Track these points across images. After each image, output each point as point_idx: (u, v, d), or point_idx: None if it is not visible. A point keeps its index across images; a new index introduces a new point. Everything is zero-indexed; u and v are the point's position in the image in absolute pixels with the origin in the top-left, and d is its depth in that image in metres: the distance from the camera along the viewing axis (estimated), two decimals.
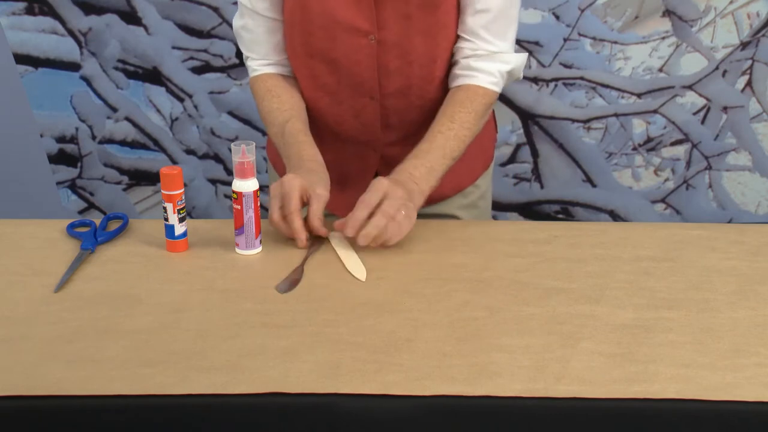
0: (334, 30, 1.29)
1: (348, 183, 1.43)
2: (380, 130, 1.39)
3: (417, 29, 1.29)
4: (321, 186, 1.23)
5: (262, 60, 1.39)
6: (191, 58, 2.30)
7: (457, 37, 1.33)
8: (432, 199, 1.42)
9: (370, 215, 1.19)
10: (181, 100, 2.34)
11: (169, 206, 1.21)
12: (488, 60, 1.31)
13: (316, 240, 1.26)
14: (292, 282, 1.14)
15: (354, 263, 1.19)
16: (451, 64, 1.34)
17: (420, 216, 1.27)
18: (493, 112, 1.51)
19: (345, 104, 1.36)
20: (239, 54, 2.28)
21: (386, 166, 1.39)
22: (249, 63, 1.41)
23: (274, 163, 1.51)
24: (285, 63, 1.39)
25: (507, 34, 1.33)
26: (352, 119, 1.37)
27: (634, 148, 2.35)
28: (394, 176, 1.24)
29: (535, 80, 2.29)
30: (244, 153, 1.19)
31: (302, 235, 1.21)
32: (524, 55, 1.36)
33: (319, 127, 1.41)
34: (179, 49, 2.29)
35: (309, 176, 1.24)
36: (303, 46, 1.33)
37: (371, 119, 1.37)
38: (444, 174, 1.29)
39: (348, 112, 1.37)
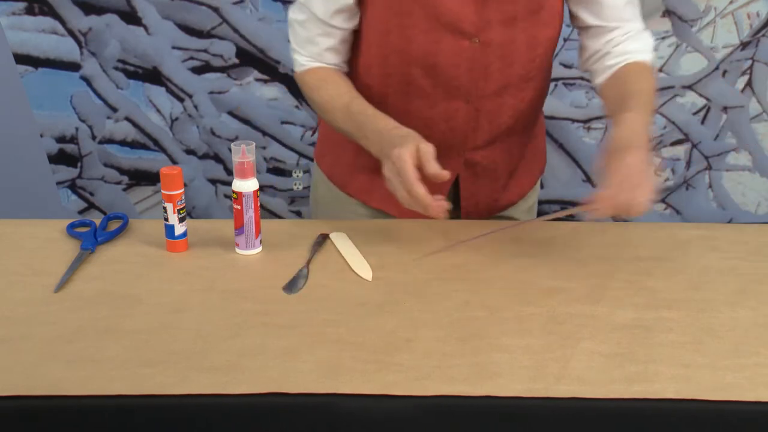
0: (437, 33, 1.27)
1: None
2: (470, 134, 1.36)
3: (520, 29, 1.28)
4: (422, 142, 1.17)
5: (313, 59, 1.36)
6: (191, 58, 2.30)
7: (594, 31, 1.34)
8: (500, 207, 1.46)
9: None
10: (181, 100, 2.34)
11: (169, 206, 1.21)
12: (637, 39, 1.33)
13: (319, 240, 1.26)
14: (298, 282, 1.14)
15: (359, 263, 1.19)
16: (599, 57, 1.34)
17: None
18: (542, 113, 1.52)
19: (438, 108, 1.34)
20: (239, 54, 2.28)
21: (468, 169, 1.40)
22: (296, 57, 1.39)
23: (327, 173, 1.50)
24: (337, 65, 1.37)
25: (638, 14, 1.35)
26: (442, 123, 1.35)
27: None
28: (617, 141, 1.18)
29: None
30: (244, 153, 1.19)
31: (430, 200, 1.13)
32: (651, 35, 1.38)
33: None
34: (179, 49, 2.29)
35: (403, 141, 1.17)
36: (400, 53, 1.30)
37: (462, 123, 1.35)
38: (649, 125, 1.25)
39: (440, 116, 1.34)
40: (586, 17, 1.33)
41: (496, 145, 1.38)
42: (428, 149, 1.15)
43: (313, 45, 1.35)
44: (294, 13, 1.35)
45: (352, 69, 1.38)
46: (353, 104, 1.30)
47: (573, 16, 1.36)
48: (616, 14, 1.32)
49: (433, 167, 1.14)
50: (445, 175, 1.14)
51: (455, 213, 1.44)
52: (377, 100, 1.32)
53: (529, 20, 1.28)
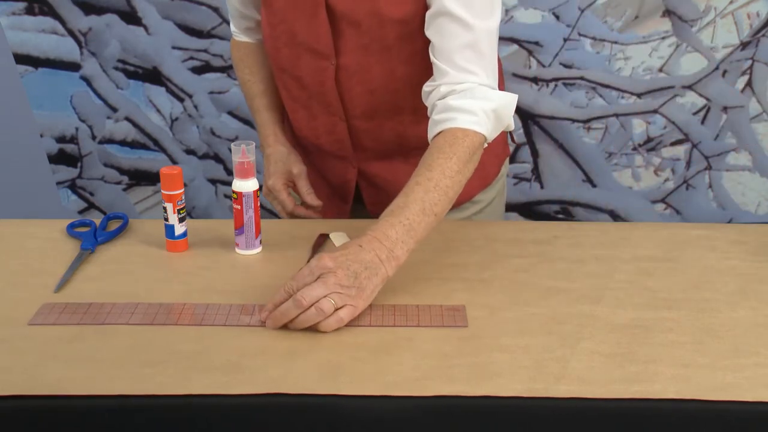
0: (297, 49, 1.30)
1: (333, 191, 1.46)
2: (357, 148, 1.37)
3: (374, 61, 1.26)
4: (294, 165, 1.39)
5: (238, 31, 1.48)
6: (191, 58, 2.30)
7: (431, 74, 1.21)
8: None
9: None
10: (181, 100, 2.34)
11: (169, 206, 1.21)
12: (468, 97, 1.16)
13: (319, 240, 1.26)
14: None
15: None
16: (429, 110, 1.21)
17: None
18: (506, 133, 1.41)
19: (318, 120, 1.36)
20: None
21: (364, 180, 1.41)
22: (231, 28, 1.49)
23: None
24: (259, 40, 1.46)
25: (486, 67, 1.19)
26: (326, 135, 1.37)
27: (634, 148, 2.35)
28: (366, 236, 1.06)
29: (535, 80, 2.29)
30: (244, 153, 1.19)
31: (310, 213, 1.39)
32: (512, 97, 1.21)
33: (299, 136, 1.43)
34: (179, 49, 2.29)
35: (277, 166, 1.39)
36: (273, 58, 1.35)
37: (342, 137, 1.36)
38: (427, 232, 1.09)
39: (322, 127, 1.37)
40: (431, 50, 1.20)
41: (395, 159, 1.36)
42: (300, 174, 1.38)
43: (235, 20, 1.46)
44: None
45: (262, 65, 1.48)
46: (257, 100, 1.45)
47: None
48: (449, 56, 1.17)
49: (309, 198, 1.38)
50: (318, 204, 1.38)
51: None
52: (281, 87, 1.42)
53: (382, 54, 1.25)
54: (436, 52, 1.19)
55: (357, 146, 1.37)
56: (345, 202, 1.46)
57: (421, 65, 1.24)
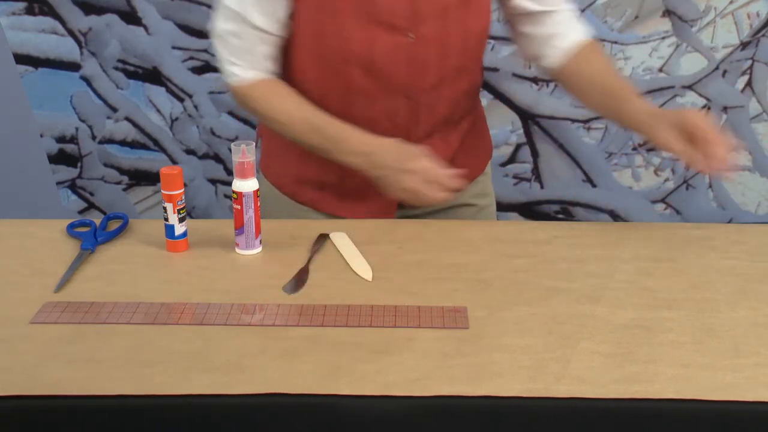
0: (372, 31, 1.27)
1: (369, 191, 1.39)
2: (411, 128, 1.37)
3: (453, 22, 1.30)
4: (412, 146, 1.30)
5: (254, 69, 1.34)
6: (191, 58, 2.30)
7: (536, 17, 1.37)
8: None
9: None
10: (181, 100, 2.34)
11: (169, 206, 1.21)
12: (576, 20, 1.39)
13: (319, 239, 1.26)
14: (299, 282, 1.14)
15: (359, 263, 1.19)
16: (545, 40, 1.38)
17: (438, 210, 1.41)
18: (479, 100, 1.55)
19: (378, 105, 1.34)
20: None
21: None
22: (231, 68, 1.34)
23: (276, 184, 1.48)
24: (276, 73, 1.36)
25: None
26: (385, 120, 1.35)
27: (634, 148, 2.35)
28: (650, 110, 1.29)
29: (535, 80, 2.29)
30: (244, 153, 1.19)
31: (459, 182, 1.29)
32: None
33: None
34: (179, 49, 2.29)
35: (405, 152, 1.29)
36: (337, 54, 1.30)
37: (404, 118, 1.36)
38: None
39: (381, 113, 1.35)
40: (527, 4, 1.36)
41: (434, 135, 1.39)
42: (426, 155, 1.28)
43: (252, 54, 1.32)
44: (223, 24, 1.32)
45: (286, 75, 1.37)
46: (315, 118, 1.32)
47: (508, 5, 1.38)
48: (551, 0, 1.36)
49: (448, 176, 1.27)
50: (462, 172, 1.30)
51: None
52: (316, 102, 1.33)
53: (461, 12, 1.30)
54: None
55: (415, 124, 1.37)
56: (378, 202, 1.42)
57: (488, 16, 1.35)
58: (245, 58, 1.33)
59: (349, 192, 1.41)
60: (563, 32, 1.37)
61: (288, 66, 1.36)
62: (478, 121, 1.50)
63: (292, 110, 1.33)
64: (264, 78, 1.35)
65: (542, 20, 1.37)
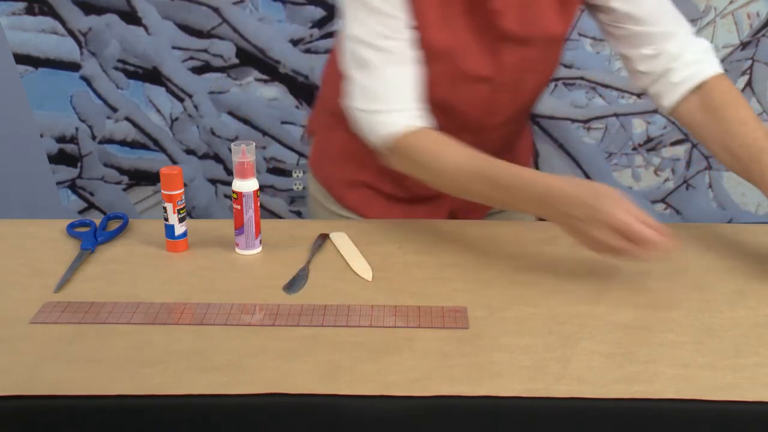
0: (457, 82, 1.26)
1: (424, 199, 1.42)
2: None
3: (531, 70, 1.30)
4: (615, 191, 1.07)
5: (410, 111, 1.19)
6: (191, 58, 2.30)
7: (640, 40, 1.25)
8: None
9: None
10: (181, 100, 2.34)
11: (169, 206, 1.21)
12: (696, 45, 1.24)
13: (319, 239, 1.26)
14: (299, 282, 1.14)
15: (359, 263, 1.19)
16: (658, 76, 1.26)
17: (497, 212, 1.44)
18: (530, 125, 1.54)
19: None
20: (239, 54, 2.28)
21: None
22: (383, 118, 1.19)
23: (326, 186, 1.46)
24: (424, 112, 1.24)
25: (681, 16, 1.26)
26: None
27: (634, 148, 2.35)
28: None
29: None
30: (244, 153, 1.19)
31: (663, 239, 1.06)
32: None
33: None
34: (179, 49, 2.29)
35: (604, 199, 1.05)
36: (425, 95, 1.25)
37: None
38: None
39: None
40: (628, 28, 1.24)
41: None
42: (631, 202, 1.06)
43: (406, 93, 1.20)
44: (357, 73, 1.20)
45: None
46: (490, 169, 1.14)
47: (610, 26, 1.28)
48: (657, 15, 1.24)
49: (654, 222, 1.06)
50: (666, 230, 1.07)
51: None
52: None
53: (540, 63, 1.30)
54: (644, 21, 1.23)
55: None
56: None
57: (560, 58, 1.33)
58: (402, 99, 1.19)
59: (404, 200, 1.42)
60: (678, 65, 1.22)
61: None
62: (526, 128, 1.53)
63: (464, 162, 1.16)
64: (423, 127, 1.21)
65: (650, 43, 1.24)
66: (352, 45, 1.20)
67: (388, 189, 1.42)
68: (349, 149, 1.39)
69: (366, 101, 1.21)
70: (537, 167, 2.38)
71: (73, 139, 2.38)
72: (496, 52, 1.26)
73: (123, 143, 2.40)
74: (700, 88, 1.24)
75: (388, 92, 1.20)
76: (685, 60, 1.23)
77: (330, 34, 2.27)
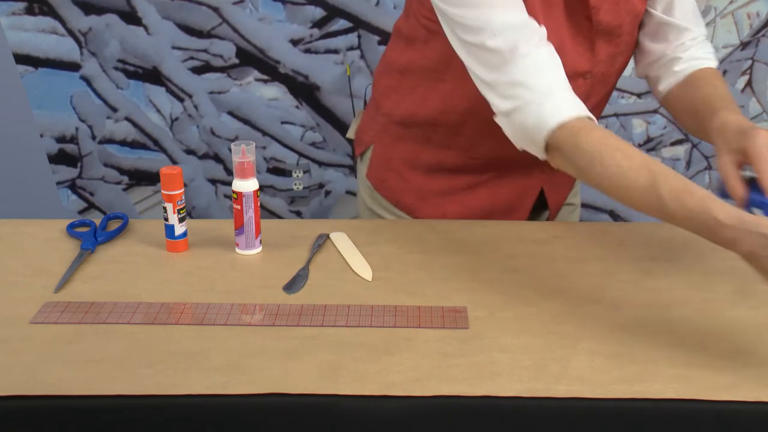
0: None
1: (510, 205, 1.40)
2: None
3: (618, 60, 1.30)
4: None
5: (564, 94, 1.11)
6: (191, 58, 2.30)
7: (663, 32, 1.28)
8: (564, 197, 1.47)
9: None
10: (181, 100, 2.34)
11: (169, 206, 1.21)
12: (704, 46, 1.30)
13: (319, 239, 1.26)
14: (299, 282, 1.14)
15: (359, 263, 1.19)
16: (666, 62, 1.29)
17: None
18: None
19: None
20: (239, 54, 2.28)
21: (549, 177, 1.40)
22: (556, 102, 1.09)
23: (392, 200, 1.44)
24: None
25: (702, 21, 1.32)
26: None
27: None
28: (745, 124, 1.06)
29: None
30: (244, 153, 1.19)
31: None
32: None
33: (486, 163, 1.35)
34: (179, 49, 2.29)
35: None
36: None
37: None
38: None
39: None
40: (657, 15, 1.28)
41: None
42: None
43: (551, 71, 1.11)
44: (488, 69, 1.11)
45: (437, 101, 1.31)
46: (664, 185, 0.99)
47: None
48: (686, 15, 1.28)
49: None
50: None
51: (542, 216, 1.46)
52: (457, 123, 1.31)
53: (625, 55, 1.30)
54: (677, 12, 1.27)
55: None
56: (522, 212, 1.42)
57: (635, 46, 1.31)
58: (558, 81, 1.10)
59: (478, 200, 1.40)
60: (685, 56, 1.27)
61: (444, 94, 1.30)
62: None
63: (636, 170, 1.02)
64: (587, 115, 1.11)
65: (666, 37, 1.28)
66: (476, 51, 1.11)
67: (462, 192, 1.39)
68: (420, 158, 1.38)
69: (510, 98, 1.10)
70: None
71: (73, 139, 2.38)
72: (592, 46, 1.25)
73: (123, 143, 2.40)
74: (690, 74, 1.29)
75: (533, 78, 1.09)
76: (692, 54, 1.28)
77: (330, 34, 2.27)
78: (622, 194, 1.04)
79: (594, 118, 1.14)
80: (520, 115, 1.09)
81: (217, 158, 2.41)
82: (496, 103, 1.12)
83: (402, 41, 1.36)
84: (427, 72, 1.32)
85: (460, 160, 1.37)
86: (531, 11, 1.14)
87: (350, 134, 1.54)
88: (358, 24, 2.27)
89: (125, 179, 2.44)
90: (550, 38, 1.15)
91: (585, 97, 1.27)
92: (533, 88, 1.09)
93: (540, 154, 1.12)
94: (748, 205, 1.03)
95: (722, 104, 1.16)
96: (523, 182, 1.39)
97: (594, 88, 1.30)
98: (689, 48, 1.29)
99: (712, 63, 1.30)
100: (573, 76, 1.22)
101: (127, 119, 2.36)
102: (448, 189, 1.40)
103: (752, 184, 1.04)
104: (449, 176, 1.39)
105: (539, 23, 1.14)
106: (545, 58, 1.11)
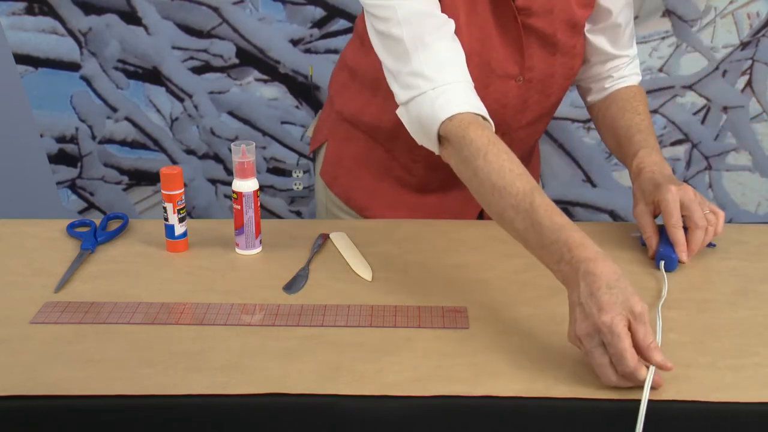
0: (488, 78, 1.25)
1: (447, 203, 1.41)
2: None
3: (559, 65, 1.31)
4: (634, 302, 0.90)
5: (463, 88, 1.08)
6: (191, 58, 2.30)
7: (605, 57, 1.37)
8: None
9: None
10: (181, 100, 2.34)
11: (169, 206, 1.21)
12: (632, 65, 1.40)
13: (319, 239, 1.26)
14: (299, 282, 1.14)
15: (359, 263, 1.19)
16: (599, 79, 1.39)
17: None
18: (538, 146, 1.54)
19: None
20: (239, 54, 2.28)
21: None
22: (444, 92, 1.07)
23: (342, 197, 1.45)
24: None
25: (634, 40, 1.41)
26: None
27: None
28: (659, 175, 1.21)
29: None
30: (244, 153, 1.19)
31: (643, 373, 0.88)
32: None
33: (434, 169, 1.32)
34: (179, 49, 2.29)
35: (613, 301, 0.89)
36: None
37: None
38: None
39: None
40: (604, 46, 1.35)
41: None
42: (645, 316, 0.89)
43: (454, 63, 1.11)
44: (393, 27, 1.10)
45: (376, 109, 1.33)
46: (537, 198, 0.98)
47: (587, 43, 1.37)
48: (626, 44, 1.37)
49: (658, 355, 0.89)
50: (670, 366, 0.89)
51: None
52: (393, 136, 1.32)
53: (566, 57, 1.31)
54: (620, 41, 1.36)
55: None
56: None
57: (581, 58, 1.34)
58: (447, 69, 1.07)
59: (430, 203, 1.41)
60: (616, 76, 1.38)
61: (375, 106, 1.32)
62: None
63: (515, 181, 1.00)
64: (475, 113, 1.07)
65: (607, 61, 1.38)
66: (384, 40, 1.12)
67: (411, 194, 1.40)
68: (370, 157, 1.38)
69: (409, 88, 1.10)
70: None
71: (73, 139, 2.38)
72: (521, 48, 1.25)
73: (123, 143, 2.40)
74: (615, 92, 1.39)
75: (432, 69, 1.08)
76: (621, 73, 1.38)
77: (330, 34, 2.27)
78: (494, 194, 1.00)
79: (490, 120, 1.10)
80: (416, 106, 1.10)
81: (217, 158, 2.41)
82: (398, 92, 1.12)
83: (357, 40, 1.37)
84: (367, 79, 1.33)
85: (405, 165, 1.38)
86: (452, 3, 1.16)
87: (309, 132, 1.53)
88: None
89: (125, 179, 2.43)
90: (474, 34, 1.17)
91: (521, 102, 1.29)
92: (432, 80, 1.08)
93: (435, 148, 1.11)
94: (658, 258, 1.18)
95: (640, 139, 1.27)
96: (465, 194, 1.35)
97: (530, 93, 1.30)
98: (620, 68, 1.38)
99: (636, 79, 1.40)
100: (504, 76, 1.26)
101: (127, 119, 2.36)
102: (398, 190, 1.41)
103: (663, 233, 1.20)
104: (398, 178, 1.40)
105: (459, 17, 1.15)
106: (447, 51, 1.11)
